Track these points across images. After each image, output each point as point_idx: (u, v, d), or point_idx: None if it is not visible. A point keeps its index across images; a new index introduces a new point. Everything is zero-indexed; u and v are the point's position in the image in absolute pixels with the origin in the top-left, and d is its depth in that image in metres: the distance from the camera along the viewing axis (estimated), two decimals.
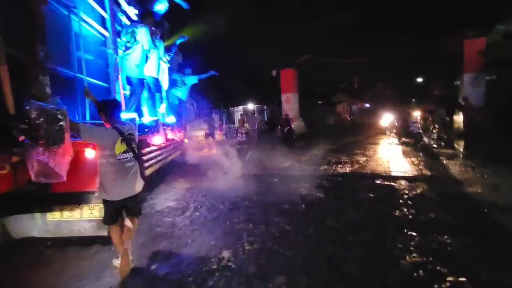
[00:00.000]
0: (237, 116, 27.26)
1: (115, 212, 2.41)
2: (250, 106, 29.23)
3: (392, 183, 4.79)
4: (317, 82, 35.04)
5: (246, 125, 14.48)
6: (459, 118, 13.30)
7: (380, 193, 4.29)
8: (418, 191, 4.24)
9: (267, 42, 19.22)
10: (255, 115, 12.90)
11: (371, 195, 4.21)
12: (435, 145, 9.40)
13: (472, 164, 5.98)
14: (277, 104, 21.15)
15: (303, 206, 3.89)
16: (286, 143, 12.54)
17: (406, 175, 5.35)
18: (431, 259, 2.32)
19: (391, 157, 7.39)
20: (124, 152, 2.34)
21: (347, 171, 6.00)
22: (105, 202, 2.38)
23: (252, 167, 6.71)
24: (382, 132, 14.82)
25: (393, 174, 5.50)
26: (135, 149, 2.44)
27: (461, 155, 7.22)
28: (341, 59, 19.36)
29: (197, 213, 3.83)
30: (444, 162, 6.49)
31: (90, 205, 2.87)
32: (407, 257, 2.37)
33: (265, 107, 28.23)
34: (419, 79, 33.81)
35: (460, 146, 9.00)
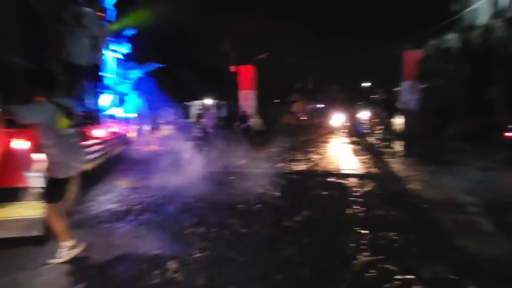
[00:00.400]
0: (194, 111, 26.31)
1: (63, 189, 2.31)
2: (208, 101, 28.48)
3: (343, 181, 4.96)
4: (275, 81, 35.78)
5: (202, 120, 13.91)
6: (398, 121, 14.83)
7: (332, 190, 4.39)
8: (367, 189, 4.45)
9: (228, 37, 18.77)
10: (213, 111, 12.43)
11: (325, 193, 4.28)
12: (379, 145, 10.24)
13: (410, 162, 6.60)
14: (236, 101, 20.93)
15: (259, 205, 3.76)
16: (244, 139, 12.41)
17: (356, 172, 5.63)
18: (381, 257, 2.37)
19: (341, 155, 7.76)
20: (69, 126, 2.27)
21: (302, 169, 6.09)
22: (55, 181, 2.27)
23: (206, 164, 6.38)
24: (334, 131, 15.70)
25: (344, 172, 5.74)
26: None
27: (401, 154, 7.94)
28: (298, 59, 19.91)
29: (141, 217, 3.41)
30: (388, 160, 7.04)
31: (20, 203, 2.57)
32: (360, 256, 2.39)
33: (223, 103, 27.75)
34: (366, 84, 36.95)
35: (400, 146, 9.94)
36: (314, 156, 7.66)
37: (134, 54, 7.72)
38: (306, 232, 2.90)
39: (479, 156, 7.36)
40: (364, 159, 7.26)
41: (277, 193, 4.30)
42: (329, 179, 5.12)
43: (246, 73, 18.06)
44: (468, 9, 12.31)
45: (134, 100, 7.96)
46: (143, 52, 7.95)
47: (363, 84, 36.01)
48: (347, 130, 14.43)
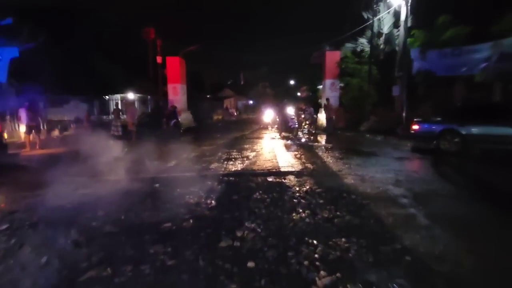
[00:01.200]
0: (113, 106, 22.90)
1: None
2: (130, 95, 25.18)
3: (283, 180, 4.68)
4: (206, 76, 34.43)
5: (123, 117, 11.99)
6: (322, 116, 16.01)
7: (273, 192, 4.01)
8: (307, 187, 4.25)
9: (154, 25, 16.61)
10: (135, 106, 10.77)
11: (265, 196, 3.87)
12: (308, 139, 10.67)
13: (338, 155, 6.89)
14: (163, 95, 19.00)
15: (191, 221, 3.06)
16: (172, 138, 11.19)
17: (293, 169, 5.46)
18: (339, 275, 2.03)
19: (276, 151, 7.62)
20: None
21: (238, 169, 5.59)
22: None
23: (123, 170, 5.21)
24: (265, 127, 15.85)
25: (282, 169, 5.51)
26: None
27: (328, 148, 8.32)
28: (229, 54, 19.27)
29: (13, 261, 2.28)
30: (319, 154, 7.22)
31: None
32: (317, 278, 2.00)
33: (148, 97, 25.00)
34: (291, 82, 39.30)
35: (326, 140, 10.55)
36: (250, 154, 7.28)
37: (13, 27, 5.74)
38: (250, 254, 2.37)
39: (391, 147, 8.29)
40: (297, 154, 7.27)
41: (212, 202, 3.66)
42: (268, 179, 4.76)
43: (175, 65, 16.48)
44: (376, 18, 13.97)
45: (6, 90, 5.98)
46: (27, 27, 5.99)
47: (290, 82, 38.20)
48: (277, 126, 14.73)
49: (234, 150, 7.87)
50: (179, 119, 12.52)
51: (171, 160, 6.48)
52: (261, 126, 16.32)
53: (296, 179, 4.76)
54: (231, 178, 4.83)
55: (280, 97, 32.58)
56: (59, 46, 15.65)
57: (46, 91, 15.19)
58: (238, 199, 3.78)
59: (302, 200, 3.66)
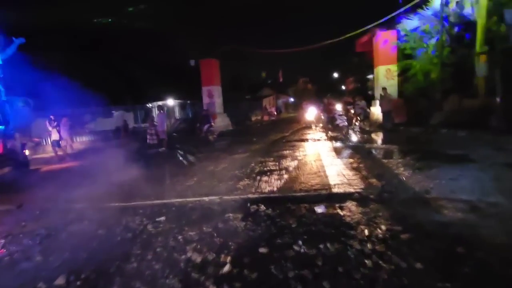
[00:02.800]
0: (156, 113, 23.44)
1: None
2: (170, 101, 25.63)
3: (339, 211, 3.09)
4: (244, 76, 33.71)
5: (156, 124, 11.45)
6: (376, 110, 13.57)
7: (325, 241, 2.47)
8: (382, 229, 2.60)
9: (187, 29, 16.23)
10: (163, 112, 10.10)
11: (311, 250, 2.34)
12: (363, 139, 8.66)
13: (415, 163, 4.93)
14: (199, 99, 18.58)
15: None
16: (205, 144, 10.26)
17: (352, 189, 3.79)
18: None
19: (324, 159, 5.94)
20: None
21: (274, 189, 4.13)
22: None
23: (120, 193, 4.19)
24: (308, 126, 14.06)
25: (335, 189, 3.89)
26: None
27: (395, 151, 6.31)
28: (265, 50, 17.91)
29: None
30: (383, 161, 5.34)
31: None
32: None
33: (188, 102, 25.13)
34: (334, 75, 36.28)
35: (385, 139, 8.41)
36: (290, 163, 5.76)
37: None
38: None
39: (490, 147, 5.92)
40: (353, 162, 5.50)
41: (228, 261, 2.28)
42: (316, 209, 3.21)
43: (209, 67, 15.79)
44: None
45: (18, 107, 5.57)
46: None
47: (334, 75, 35.27)
48: (322, 124, 12.84)
49: (271, 159, 6.42)
50: (213, 124, 11.56)
51: (191, 176, 5.33)
52: (304, 125, 14.57)
53: (360, 208, 3.12)
54: (261, 208, 3.39)
55: (323, 92, 30.12)
56: (92, 57, 16.21)
57: (85, 104, 15.82)
58: (269, 255, 2.33)
59: (381, 263, 2.05)
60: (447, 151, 5.80)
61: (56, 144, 8.48)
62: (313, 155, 6.64)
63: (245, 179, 4.78)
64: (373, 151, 6.52)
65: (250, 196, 3.87)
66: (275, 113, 28.79)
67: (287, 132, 12.64)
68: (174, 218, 3.27)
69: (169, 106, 25.65)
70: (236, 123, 18.20)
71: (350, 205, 3.23)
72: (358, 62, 21.28)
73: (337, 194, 3.66)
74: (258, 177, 4.83)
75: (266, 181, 4.56)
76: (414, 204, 3.16)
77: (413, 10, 12.33)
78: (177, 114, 25.88)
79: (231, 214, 3.22)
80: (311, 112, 14.71)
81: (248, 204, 3.51)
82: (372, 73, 16.56)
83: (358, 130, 10.87)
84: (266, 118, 26.47)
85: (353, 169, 4.95)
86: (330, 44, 15.99)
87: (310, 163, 5.72)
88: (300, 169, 5.21)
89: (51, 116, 8.76)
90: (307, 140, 9.48)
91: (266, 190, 4.09)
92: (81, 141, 12.19)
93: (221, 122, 15.46)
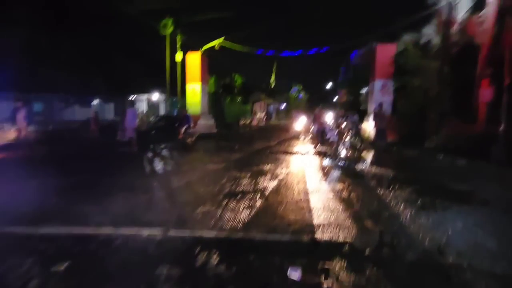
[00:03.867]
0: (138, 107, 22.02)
1: None
2: (156, 95, 24.20)
3: (329, 282, 2.12)
4: (236, 77, 32.70)
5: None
6: (368, 126, 12.90)
7: None
8: None
9: (174, 17, 15.04)
10: (133, 107, 8.96)
11: None
12: (354, 158, 7.82)
13: (417, 199, 4.05)
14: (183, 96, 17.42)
15: None
16: (179, 147, 9.16)
17: (344, 238, 2.84)
18: None
19: (309, 182, 4.99)
20: None
21: (241, 227, 3.10)
22: None
23: (48, 208, 3.07)
24: (296, 136, 13.20)
25: (321, 234, 2.92)
26: None
27: (391, 178, 5.45)
28: (255, 49, 16.92)
29: None
30: (380, 193, 4.45)
31: None
32: None
33: (174, 99, 23.85)
34: (328, 85, 35.91)
35: (378, 160, 7.61)
36: (268, 184, 4.79)
37: None
38: None
39: (498, 184, 5.16)
40: (344, 189, 4.59)
41: None
42: (292, 274, 2.21)
43: (195, 63, 14.68)
44: (445, 2, 10.63)
45: None
46: None
47: (327, 85, 34.86)
48: (312, 136, 12.01)
49: (248, 174, 5.43)
50: (190, 125, 10.45)
51: (144, 192, 4.26)
52: (292, 135, 13.71)
53: (351, 275, 2.15)
54: (212, 259, 2.37)
55: (314, 101, 29.59)
56: (69, 40, 14.81)
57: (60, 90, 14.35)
58: None
59: None
60: (451, 184, 4.98)
61: None
62: (297, 174, 5.69)
63: (208, 204, 3.75)
64: (366, 177, 5.64)
65: (205, 234, 2.85)
66: (265, 118, 27.95)
67: (273, 141, 11.72)
68: (82, 266, 2.21)
69: (153, 101, 24.31)
70: (222, 127, 17.14)
71: (338, 267, 2.25)
72: (353, 74, 20.76)
73: (321, 244, 2.69)
74: (225, 202, 3.81)
75: (232, 210, 3.54)
76: (426, 272, 2.23)
77: (416, 25, 11.80)
78: (161, 110, 24.52)
79: (165, 268, 2.18)
80: (300, 122, 13.89)
81: (198, 249, 2.48)
82: (367, 86, 15.99)
83: (349, 146, 10.08)
84: (255, 123, 25.56)
85: (343, 200, 4.02)
86: (326, 52, 15.33)
87: (293, 185, 4.76)
88: (279, 194, 4.23)
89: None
90: (293, 153, 8.56)
91: (229, 225, 3.08)
92: (37, 130, 10.79)
93: (204, 123, 14.36)
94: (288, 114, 28.55)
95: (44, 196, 3.95)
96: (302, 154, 8.37)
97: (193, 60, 14.48)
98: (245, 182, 4.89)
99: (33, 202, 3.67)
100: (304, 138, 12.39)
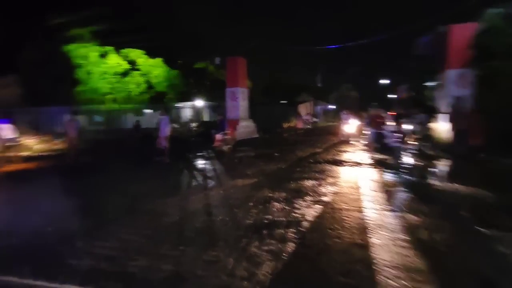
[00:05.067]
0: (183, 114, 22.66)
1: None
2: (199, 102, 24.59)
3: None
4: (279, 78, 31.67)
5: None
6: (440, 126, 10.47)
7: None
8: None
9: (214, 23, 14.82)
10: (165, 115, 8.59)
11: None
12: (427, 170, 5.98)
13: None
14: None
15: None
16: (213, 157, 8.51)
17: None
18: None
19: (368, 212, 3.60)
20: None
21: None
22: None
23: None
24: (347, 141, 11.47)
25: None
26: None
27: (494, 210, 3.69)
28: (304, 48, 15.58)
29: None
30: (482, 233, 2.86)
31: None
32: None
33: (218, 104, 23.86)
34: (384, 81, 32.25)
35: (463, 175, 5.63)
36: (308, 211, 3.58)
37: None
38: None
39: None
40: (420, 226, 3.11)
41: None
42: None
43: (234, 66, 14.12)
44: None
45: None
46: None
47: (380, 81, 31.32)
48: (365, 140, 10.21)
49: (282, 196, 4.29)
50: (226, 131, 9.72)
51: (147, 222, 3.48)
52: (342, 140, 12.01)
53: None
54: None
55: (367, 100, 26.70)
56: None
57: None
58: None
59: None
60: None
61: None
62: (349, 195, 4.33)
63: (219, 245, 2.74)
64: (449, 199, 3.98)
65: None
66: (311, 120, 26.20)
67: (319, 147, 10.28)
68: None
69: (198, 107, 24.72)
70: (264, 130, 16.21)
71: None
72: (416, 66, 17.78)
73: None
74: (243, 243, 2.76)
75: (251, 257, 2.46)
76: None
77: None
78: (205, 116, 24.81)
79: None
80: (351, 124, 12.09)
81: None
82: (433, 79, 13.34)
83: (416, 152, 8.08)
84: (300, 125, 24.05)
85: (424, 248, 2.58)
86: (380, 43, 13.24)
87: (342, 216, 3.45)
88: (322, 232, 3.00)
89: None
90: (343, 162, 7.08)
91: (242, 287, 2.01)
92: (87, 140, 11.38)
93: (244, 129, 13.63)
94: (337, 115, 26.31)
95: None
96: (354, 164, 6.85)
97: (234, 64, 13.90)
98: (278, 207, 3.76)
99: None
100: (357, 143, 10.64)
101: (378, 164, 6.80)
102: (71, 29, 15.37)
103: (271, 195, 4.34)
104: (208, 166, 7.06)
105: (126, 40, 16.58)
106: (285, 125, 22.88)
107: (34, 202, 4.36)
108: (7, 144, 8.14)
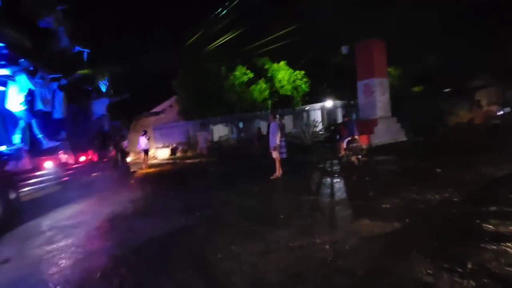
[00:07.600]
0: (312, 118, 21.19)
1: None
2: (329, 102, 22.29)
3: None
4: (434, 62, 23.79)
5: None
6: None
7: None
8: None
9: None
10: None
11: None
12: None
13: None
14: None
15: None
16: (334, 171, 6.53)
17: None
18: None
19: None
20: None
21: None
22: None
23: None
24: None
25: None
26: None
27: None
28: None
29: None
30: None
31: None
32: None
33: (351, 102, 20.80)
34: None
35: None
36: None
37: None
38: None
39: None
40: None
41: None
42: None
43: (367, 52, 11.14)
44: None
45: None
46: None
47: None
48: None
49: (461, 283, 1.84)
50: (356, 136, 7.32)
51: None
52: None
53: None
54: None
55: None
56: None
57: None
58: None
59: None
60: None
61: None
62: None
63: None
64: None
65: None
66: (499, 113, 17.66)
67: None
68: None
69: (329, 108, 22.47)
70: (416, 131, 11.88)
71: None
72: None
73: None
74: None
75: None
76: None
77: None
78: (339, 117, 22.16)
79: None
80: None
81: None
82: None
83: None
84: (478, 121, 16.60)
85: None
86: None
87: None
88: None
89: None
90: None
91: None
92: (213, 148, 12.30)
93: (384, 131, 10.40)
94: None
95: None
96: None
97: (367, 50, 11.01)
98: None
99: None
100: None
101: None
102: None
103: (430, 281, 1.99)
104: (319, 188, 5.15)
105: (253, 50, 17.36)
106: (453, 121, 16.56)
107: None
108: (141, 153, 10.58)
